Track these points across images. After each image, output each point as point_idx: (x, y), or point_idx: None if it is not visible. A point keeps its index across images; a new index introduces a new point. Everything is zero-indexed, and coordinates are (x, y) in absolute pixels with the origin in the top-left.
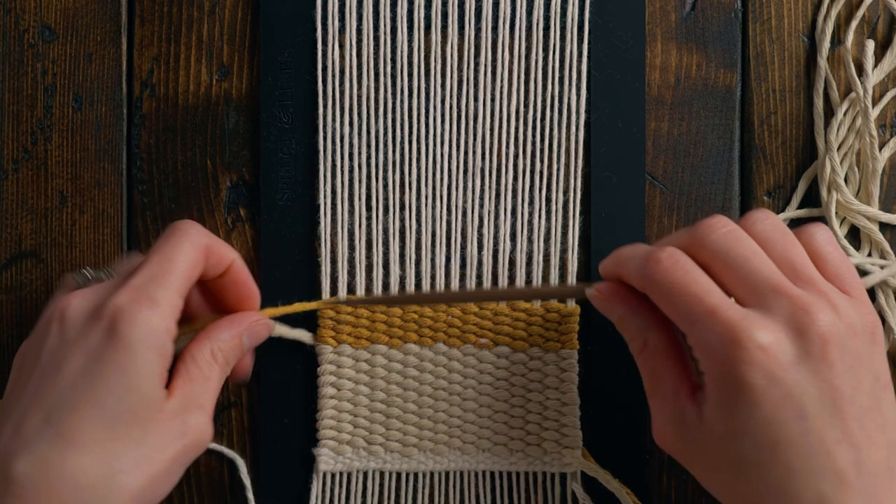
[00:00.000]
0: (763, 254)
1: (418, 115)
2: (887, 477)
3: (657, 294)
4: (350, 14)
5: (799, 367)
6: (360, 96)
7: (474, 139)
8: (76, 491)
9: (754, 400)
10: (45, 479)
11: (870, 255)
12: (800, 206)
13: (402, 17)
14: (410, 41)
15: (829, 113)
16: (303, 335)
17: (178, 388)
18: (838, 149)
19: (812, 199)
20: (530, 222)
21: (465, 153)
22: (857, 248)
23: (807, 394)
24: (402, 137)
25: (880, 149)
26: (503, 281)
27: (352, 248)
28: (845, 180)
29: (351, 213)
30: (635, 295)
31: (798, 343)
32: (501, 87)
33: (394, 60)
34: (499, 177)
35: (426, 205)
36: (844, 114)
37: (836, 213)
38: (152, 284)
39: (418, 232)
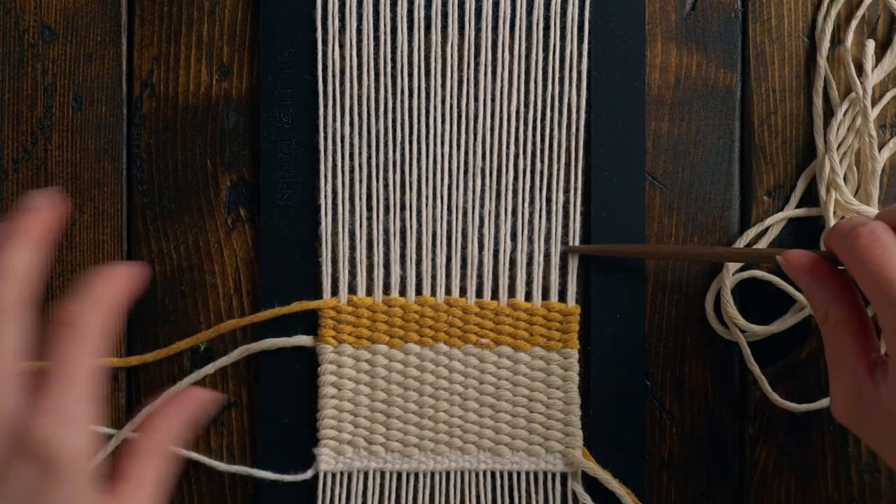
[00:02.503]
0: None
1: (418, 115)
2: None
3: (854, 269)
4: (350, 14)
5: None
6: (360, 96)
7: (474, 139)
8: None
9: None
10: None
11: None
12: (798, 206)
13: (402, 17)
14: (410, 41)
15: (829, 113)
16: (302, 339)
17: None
18: (837, 148)
19: (812, 198)
20: (531, 222)
21: (466, 153)
22: None
23: None
24: (403, 137)
25: (879, 149)
26: (503, 281)
27: (352, 248)
28: (844, 180)
29: (351, 213)
30: (824, 266)
31: None
32: (501, 87)
33: (394, 60)
34: (499, 177)
35: (427, 205)
36: (844, 114)
37: (835, 212)
38: (69, 402)
39: (419, 232)
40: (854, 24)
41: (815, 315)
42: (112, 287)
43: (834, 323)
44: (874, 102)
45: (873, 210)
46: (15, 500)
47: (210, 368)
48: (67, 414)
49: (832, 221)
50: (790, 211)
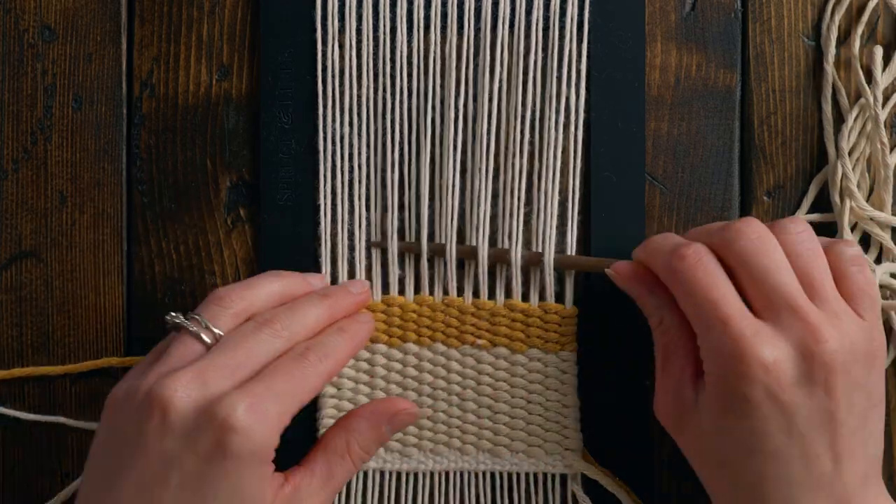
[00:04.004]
0: (787, 267)
1: (418, 115)
2: (861, 485)
3: (677, 290)
4: (350, 14)
5: (798, 389)
6: (360, 96)
7: (473, 139)
8: None
9: (746, 411)
10: None
11: (878, 260)
12: (809, 211)
13: (401, 17)
14: (410, 41)
15: (838, 118)
16: None
17: (295, 480)
18: (849, 154)
19: (822, 203)
20: (528, 223)
21: (465, 153)
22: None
23: (800, 413)
24: (402, 137)
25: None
26: (501, 282)
27: (351, 248)
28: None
29: (351, 213)
30: (652, 275)
31: (803, 366)
32: (501, 87)
33: (393, 60)
34: (497, 177)
35: (425, 205)
36: (854, 119)
37: (850, 219)
38: (271, 399)
39: (418, 232)
40: (860, 28)
41: (650, 321)
42: (359, 329)
43: (667, 327)
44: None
45: (887, 216)
46: (190, 468)
47: None
48: (263, 407)
49: (846, 228)
50: (802, 216)
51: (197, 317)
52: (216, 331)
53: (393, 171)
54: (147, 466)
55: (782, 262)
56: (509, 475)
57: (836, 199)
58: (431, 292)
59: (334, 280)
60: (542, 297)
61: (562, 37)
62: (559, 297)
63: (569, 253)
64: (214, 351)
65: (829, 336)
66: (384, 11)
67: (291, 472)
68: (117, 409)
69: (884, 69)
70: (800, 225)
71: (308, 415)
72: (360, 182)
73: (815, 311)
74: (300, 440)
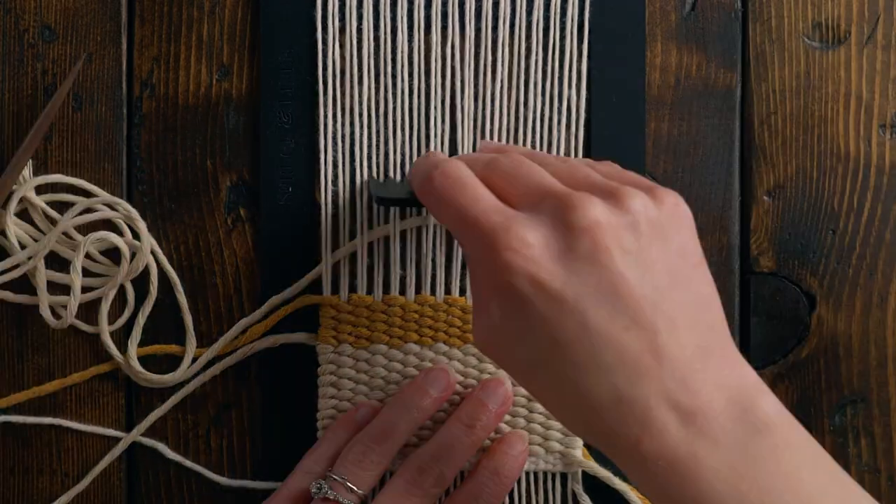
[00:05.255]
0: (547, 172)
1: (418, 115)
2: (699, 358)
3: (432, 207)
4: (350, 14)
5: (566, 263)
6: (360, 96)
7: (474, 139)
8: None
9: (522, 306)
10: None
11: None
12: None
13: (402, 17)
14: (410, 41)
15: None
16: (302, 337)
17: None
18: None
19: None
20: None
21: (465, 153)
22: None
23: (578, 288)
24: (402, 137)
25: (879, 149)
26: None
27: (353, 248)
28: None
29: (352, 213)
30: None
31: (564, 239)
32: (501, 87)
33: (394, 60)
34: None
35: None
36: None
37: None
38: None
39: (419, 231)
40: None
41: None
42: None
43: (467, 258)
44: (875, 101)
45: None
46: None
47: (215, 370)
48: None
49: None
50: None
51: (338, 479)
52: (360, 492)
53: (395, 172)
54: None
55: (542, 169)
56: None
57: None
58: (433, 292)
59: (335, 280)
60: None
61: (562, 37)
62: None
63: None
64: None
65: (591, 204)
66: (385, 11)
67: None
68: None
69: (881, 69)
70: (575, 159)
71: (308, 415)
72: (361, 182)
73: (572, 191)
74: (300, 440)
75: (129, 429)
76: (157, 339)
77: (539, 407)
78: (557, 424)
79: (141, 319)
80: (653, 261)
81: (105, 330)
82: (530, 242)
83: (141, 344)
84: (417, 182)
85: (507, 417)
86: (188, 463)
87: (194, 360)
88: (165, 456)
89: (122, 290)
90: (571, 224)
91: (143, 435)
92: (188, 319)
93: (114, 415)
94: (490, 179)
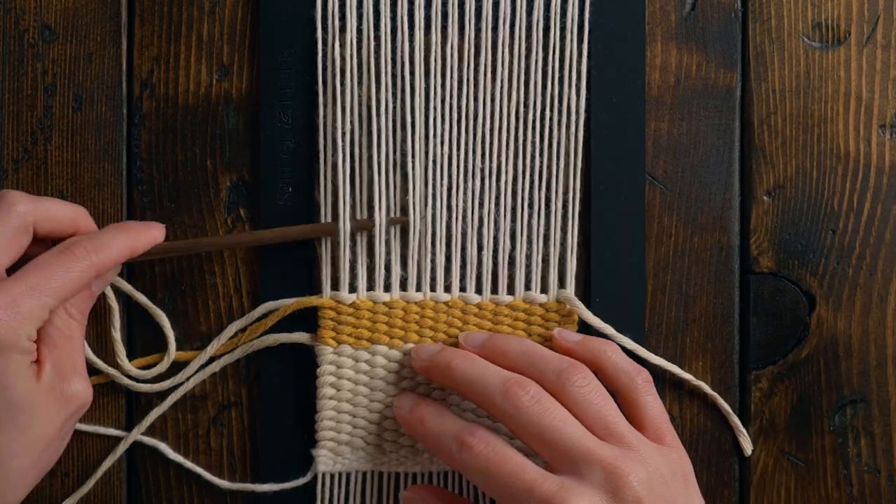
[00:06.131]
0: (572, 419)
1: (418, 115)
2: None
3: (475, 478)
4: (350, 14)
5: None
6: (360, 96)
7: (474, 139)
8: None
9: None
10: None
11: None
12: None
13: (402, 17)
14: (410, 41)
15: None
16: (302, 337)
17: (47, 360)
18: None
19: None
20: (530, 223)
21: (466, 153)
22: None
23: None
24: (402, 137)
25: (880, 149)
26: (503, 281)
27: (352, 248)
28: None
29: (352, 213)
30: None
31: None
32: (501, 87)
33: (394, 60)
34: (498, 177)
35: (426, 205)
36: None
37: None
38: (28, 295)
39: (420, 232)
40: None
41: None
42: (143, 229)
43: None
44: (875, 101)
45: None
46: None
47: (215, 367)
48: (14, 299)
49: None
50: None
51: None
52: None
53: (395, 172)
54: None
55: (566, 416)
56: None
57: None
58: (433, 289)
59: (335, 280)
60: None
61: (562, 37)
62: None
63: (569, 254)
64: None
65: (631, 469)
66: (385, 11)
67: (39, 354)
68: None
69: (881, 69)
70: (578, 375)
71: (308, 415)
72: (360, 182)
73: (609, 450)
74: (300, 441)
75: (129, 428)
76: (155, 344)
77: None
78: None
79: (116, 334)
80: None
81: (88, 351)
82: None
83: (137, 349)
84: (447, 452)
85: None
86: (189, 464)
87: (173, 364)
88: (166, 456)
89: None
90: (623, 492)
91: (142, 434)
92: (166, 324)
93: (114, 414)
94: (512, 429)
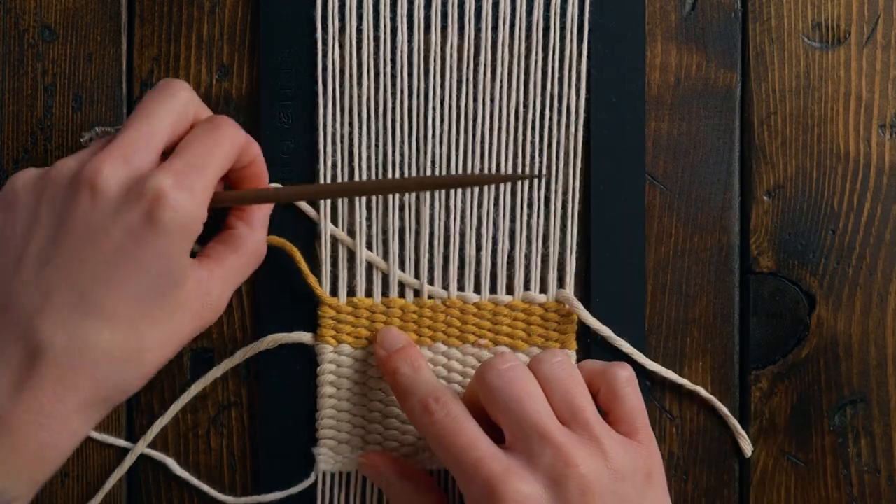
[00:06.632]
0: (540, 396)
1: (418, 115)
2: None
3: (431, 443)
4: (350, 14)
5: None
6: (360, 96)
7: (474, 139)
8: (106, 364)
9: None
10: (79, 352)
11: None
12: None
13: (402, 17)
14: (410, 41)
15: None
16: (302, 336)
17: (209, 263)
18: None
19: None
20: (529, 223)
21: (465, 153)
22: None
23: None
24: (402, 137)
25: (879, 149)
26: (502, 281)
27: (352, 248)
28: None
29: (351, 213)
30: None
31: (556, 493)
32: (501, 87)
33: (394, 60)
34: None
35: (425, 205)
36: None
37: None
38: (194, 173)
39: (418, 232)
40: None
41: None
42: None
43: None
44: (875, 101)
45: None
46: (119, 235)
47: (216, 372)
48: (188, 182)
49: None
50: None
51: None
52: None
53: (394, 172)
54: (78, 235)
55: (535, 392)
56: None
57: None
58: (431, 285)
59: (334, 280)
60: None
61: (562, 37)
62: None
63: (569, 254)
64: (126, 128)
65: (582, 459)
66: (385, 11)
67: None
68: (45, 187)
69: (880, 69)
70: (555, 354)
71: (308, 415)
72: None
73: (566, 435)
74: (300, 440)
75: (129, 429)
76: None
77: None
78: None
79: None
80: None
81: None
82: (526, 495)
83: None
84: (409, 413)
85: None
86: (195, 482)
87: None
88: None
89: None
90: (566, 480)
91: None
92: None
93: (113, 415)
94: (482, 397)
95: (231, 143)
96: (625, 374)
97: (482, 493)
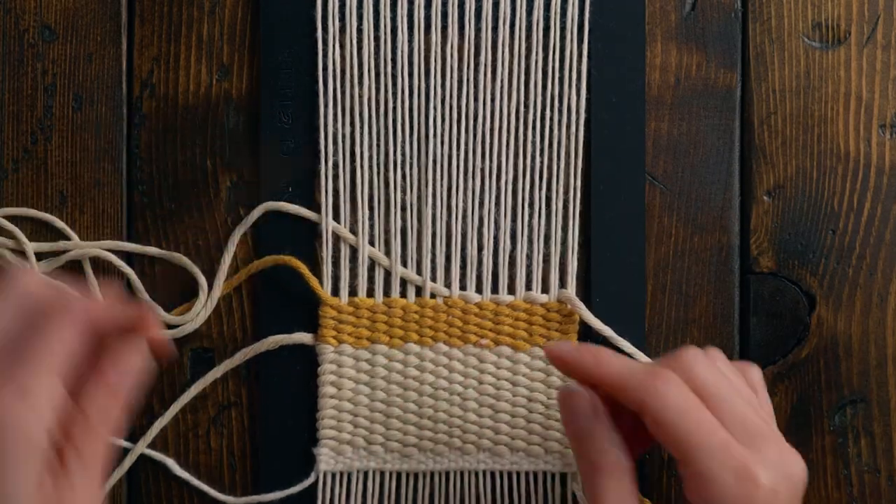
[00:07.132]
0: (742, 396)
1: (418, 115)
2: None
3: (662, 416)
4: (350, 14)
5: None
6: (360, 96)
7: (474, 139)
8: None
9: None
10: None
11: None
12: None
13: (402, 17)
14: (410, 41)
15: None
16: (303, 337)
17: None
18: None
19: None
20: (530, 223)
21: (466, 153)
22: None
23: None
24: (403, 137)
25: (879, 149)
26: (503, 281)
27: (353, 248)
28: None
29: (352, 213)
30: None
31: (790, 489)
32: (501, 87)
33: (394, 60)
34: (499, 177)
35: (427, 205)
36: None
37: None
38: (32, 377)
39: (419, 232)
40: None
41: (598, 462)
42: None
43: (625, 470)
44: (875, 101)
45: None
46: None
47: (216, 372)
48: (25, 386)
49: None
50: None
51: None
52: None
53: (395, 172)
54: None
55: (738, 391)
56: (509, 474)
57: None
58: (433, 293)
59: (335, 280)
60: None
61: (562, 37)
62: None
63: (570, 254)
64: None
65: (798, 460)
66: (385, 11)
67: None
68: None
69: (881, 69)
70: (719, 354)
71: (308, 415)
72: (360, 182)
73: (780, 439)
74: (300, 440)
75: (129, 429)
76: None
77: (539, 407)
78: (557, 424)
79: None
80: None
81: None
82: (774, 483)
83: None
84: (635, 382)
85: (508, 417)
86: (195, 482)
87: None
88: (173, 472)
89: None
90: (792, 477)
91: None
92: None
93: None
94: (695, 392)
95: (71, 326)
96: (758, 376)
97: (736, 477)
